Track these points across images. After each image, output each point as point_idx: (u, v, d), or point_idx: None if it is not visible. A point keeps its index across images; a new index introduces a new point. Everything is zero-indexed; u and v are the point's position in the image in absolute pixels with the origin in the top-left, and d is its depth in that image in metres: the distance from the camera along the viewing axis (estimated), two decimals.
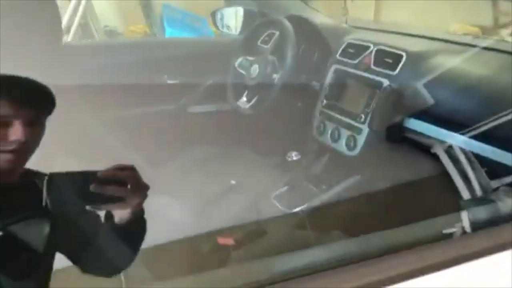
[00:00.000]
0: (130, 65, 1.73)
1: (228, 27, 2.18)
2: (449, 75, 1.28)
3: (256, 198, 1.49)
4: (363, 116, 1.37)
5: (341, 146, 1.45)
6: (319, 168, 1.54)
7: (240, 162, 1.68)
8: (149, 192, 0.73)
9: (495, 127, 1.10)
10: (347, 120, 1.44)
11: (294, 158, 1.40)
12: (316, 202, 1.41)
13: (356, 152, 1.40)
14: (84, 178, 0.68)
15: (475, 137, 1.15)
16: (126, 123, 1.62)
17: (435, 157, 1.24)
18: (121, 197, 0.70)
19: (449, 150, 1.19)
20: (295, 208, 1.41)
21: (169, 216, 1.18)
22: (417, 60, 1.33)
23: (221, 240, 1.24)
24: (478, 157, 1.14)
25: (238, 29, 2.08)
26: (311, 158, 1.54)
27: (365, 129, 1.37)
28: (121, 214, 0.73)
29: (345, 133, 1.44)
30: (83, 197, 0.68)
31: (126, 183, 0.70)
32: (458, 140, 1.18)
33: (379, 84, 1.35)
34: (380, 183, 1.47)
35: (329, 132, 1.49)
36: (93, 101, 1.40)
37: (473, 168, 1.13)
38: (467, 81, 1.23)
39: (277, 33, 1.81)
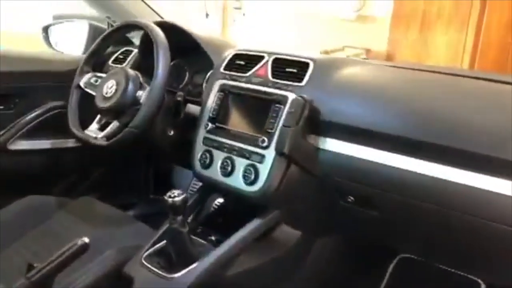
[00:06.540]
0: None
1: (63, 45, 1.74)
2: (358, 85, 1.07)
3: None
4: (266, 140, 1.06)
5: (237, 180, 1.10)
6: (209, 213, 1.16)
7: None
8: None
9: None
10: (243, 145, 1.11)
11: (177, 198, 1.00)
12: (209, 258, 1.03)
13: (258, 187, 1.07)
14: None
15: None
16: None
17: None
18: None
19: None
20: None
21: None
22: (326, 68, 1.10)
23: None
24: None
25: (82, 47, 1.66)
26: (195, 202, 1.16)
27: (270, 154, 1.06)
28: None
29: (241, 162, 1.10)
30: None
31: None
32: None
33: (284, 98, 1.07)
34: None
35: (219, 163, 1.14)
36: None
37: None
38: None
39: (135, 50, 1.46)
